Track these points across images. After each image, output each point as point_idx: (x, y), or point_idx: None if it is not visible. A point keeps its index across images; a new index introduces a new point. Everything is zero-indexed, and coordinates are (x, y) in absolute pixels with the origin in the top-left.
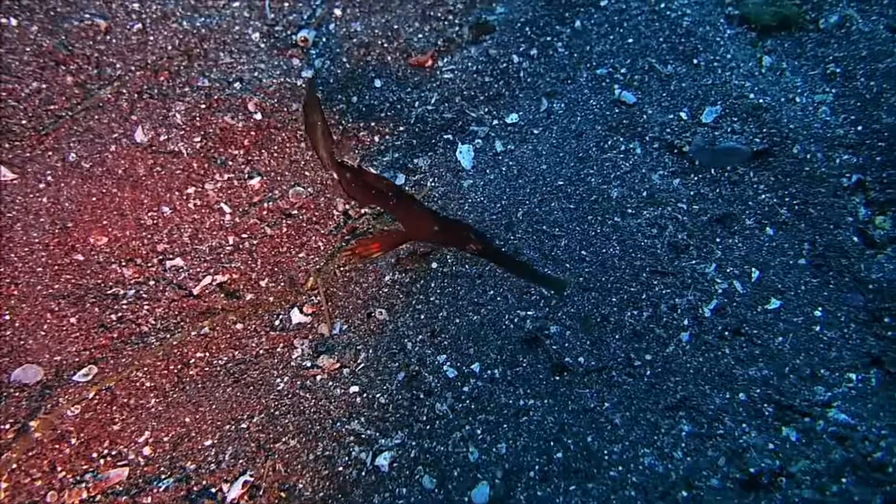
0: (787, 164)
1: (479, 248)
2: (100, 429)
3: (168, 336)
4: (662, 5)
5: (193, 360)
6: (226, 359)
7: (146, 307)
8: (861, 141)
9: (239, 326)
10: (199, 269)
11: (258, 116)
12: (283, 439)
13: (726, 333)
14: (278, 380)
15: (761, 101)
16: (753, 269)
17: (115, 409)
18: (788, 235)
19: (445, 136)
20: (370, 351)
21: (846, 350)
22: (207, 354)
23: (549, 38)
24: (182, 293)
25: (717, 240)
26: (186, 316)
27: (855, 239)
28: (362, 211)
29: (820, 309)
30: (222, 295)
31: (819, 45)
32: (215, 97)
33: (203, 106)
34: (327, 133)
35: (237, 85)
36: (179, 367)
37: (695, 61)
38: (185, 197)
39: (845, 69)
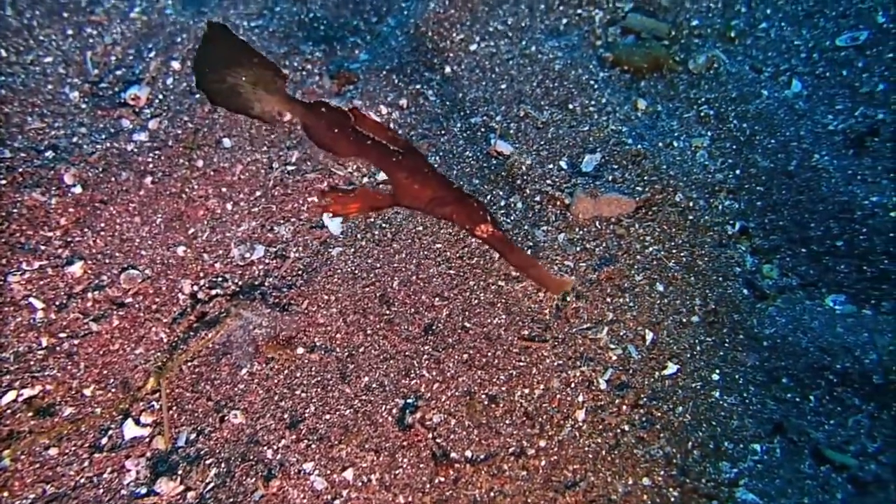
0: (671, 213)
1: (489, 232)
2: None
3: None
4: (533, 48)
5: None
6: (33, 497)
7: None
8: (740, 185)
9: (53, 452)
10: None
11: (77, 190)
12: None
13: (624, 407)
14: None
15: (640, 146)
16: (647, 331)
17: None
18: (679, 291)
19: (310, 200)
20: (222, 465)
21: (748, 417)
22: (6, 495)
23: (418, 86)
24: None
25: (608, 300)
26: None
27: (745, 291)
28: (213, 292)
29: (717, 372)
30: (30, 413)
31: (690, 87)
32: (20, 170)
33: (3, 181)
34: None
35: (49, 154)
36: None
37: (570, 106)
38: None
39: (718, 111)
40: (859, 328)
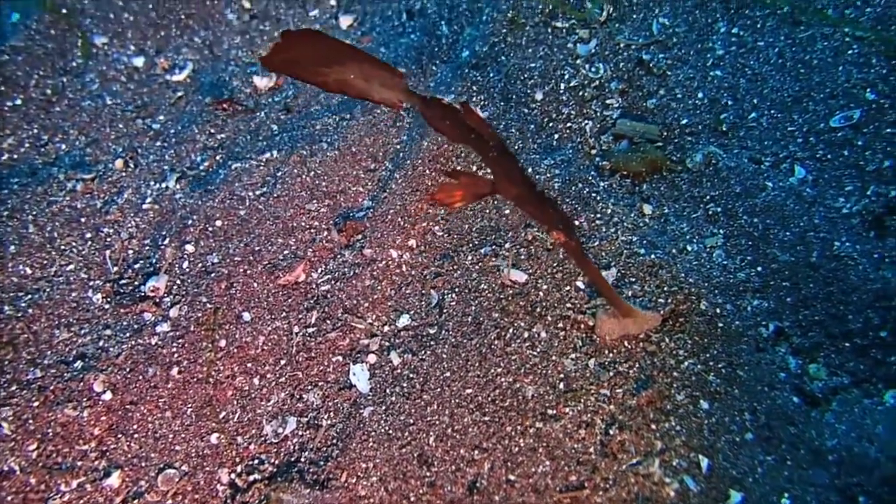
0: (699, 322)
1: (562, 238)
2: None
3: None
4: (530, 170)
5: None
6: None
7: None
8: (765, 283)
9: None
10: None
11: (108, 396)
12: None
13: None
14: None
15: (654, 256)
16: (701, 457)
17: None
18: (725, 407)
19: (335, 360)
20: None
21: None
22: None
23: (424, 224)
24: None
25: (653, 426)
26: None
27: (795, 399)
28: (250, 478)
29: (786, 496)
30: None
31: (693, 186)
32: (51, 388)
33: (36, 403)
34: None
35: (78, 364)
36: None
37: (577, 223)
38: None
39: (725, 208)
40: None
